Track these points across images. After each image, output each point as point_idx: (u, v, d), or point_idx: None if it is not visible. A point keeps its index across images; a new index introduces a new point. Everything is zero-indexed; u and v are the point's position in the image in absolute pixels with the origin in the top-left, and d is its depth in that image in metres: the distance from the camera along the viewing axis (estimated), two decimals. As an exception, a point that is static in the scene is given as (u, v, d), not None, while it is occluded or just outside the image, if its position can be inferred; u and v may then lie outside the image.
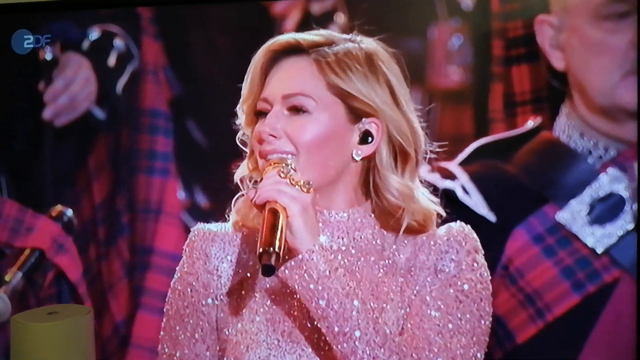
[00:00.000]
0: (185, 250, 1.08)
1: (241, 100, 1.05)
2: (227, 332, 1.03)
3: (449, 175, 1.81)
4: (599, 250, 1.75)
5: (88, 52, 1.96)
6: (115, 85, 1.96)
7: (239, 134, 1.08)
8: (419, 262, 1.03)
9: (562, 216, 1.77)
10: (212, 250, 1.05)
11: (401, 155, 1.03)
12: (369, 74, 1.01)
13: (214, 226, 1.08)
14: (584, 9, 1.69)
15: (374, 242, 1.03)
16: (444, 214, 1.07)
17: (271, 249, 0.89)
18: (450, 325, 0.98)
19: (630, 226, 1.73)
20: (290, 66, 1.01)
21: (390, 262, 1.03)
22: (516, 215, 1.79)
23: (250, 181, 1.07)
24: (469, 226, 1.05)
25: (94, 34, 1.96)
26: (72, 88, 1.97)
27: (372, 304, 0.97)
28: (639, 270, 1.73)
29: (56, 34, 1.97)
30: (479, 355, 0.99)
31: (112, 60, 1.95)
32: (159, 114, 1.93)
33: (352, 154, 1.02)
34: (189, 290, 1.05)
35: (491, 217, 1.81)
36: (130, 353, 2.03)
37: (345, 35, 1.05)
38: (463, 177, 1.82)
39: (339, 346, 0.93)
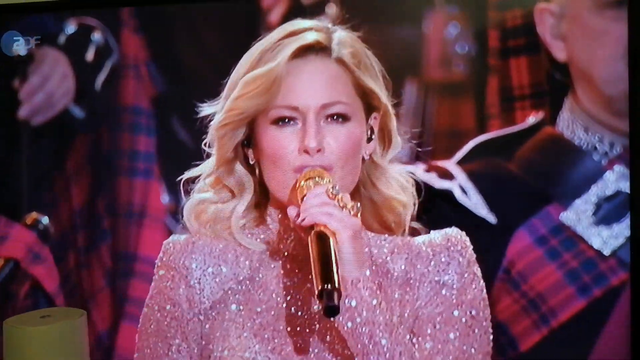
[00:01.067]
0: (161, 265, 1.00)
1: (231, 102, 0.94)
2: (212, 348, 0.95)
3: (446, 174, 1.73)
4: (606, 252, 1.68)
5: (64, 47, 1.89)
6: (94, 81, 1.88)
7: (211, 135, 0.98)
8: (417, 274, 0.96)
9: (567, 216, 1.71)
10: (192, 263, 0.98)
11: (388, 145, 1.00)
12: (371, 66, 0.97)
13: (188, 237, 1.01)
14: (584, -4, 1.63)
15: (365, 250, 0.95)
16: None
17: (329, 285, 0.81)
18: (466, 355, 0.93)
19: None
20: (318, 69, 0.93)
21: (383, 270, 0.97)
22: (518, 216, 1.74)
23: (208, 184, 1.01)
24: (464, 233, 0.98)
25: (71, 27, 1.90)
26: (48, 85, 1.91)
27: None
28: (632, 269, 1.65)
29: (31, 28, 1.90)
30: None
31: (90, 55, 1.88)
32: (140, 112, 1.85)
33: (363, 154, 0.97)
34: (169, 306, 0.98)
35: (491, 218, 1.74)
36: (115, 366, 1.96)
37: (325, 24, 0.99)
38: (461, 177, 1.75)
39: None
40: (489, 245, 1.70)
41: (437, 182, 1.72)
